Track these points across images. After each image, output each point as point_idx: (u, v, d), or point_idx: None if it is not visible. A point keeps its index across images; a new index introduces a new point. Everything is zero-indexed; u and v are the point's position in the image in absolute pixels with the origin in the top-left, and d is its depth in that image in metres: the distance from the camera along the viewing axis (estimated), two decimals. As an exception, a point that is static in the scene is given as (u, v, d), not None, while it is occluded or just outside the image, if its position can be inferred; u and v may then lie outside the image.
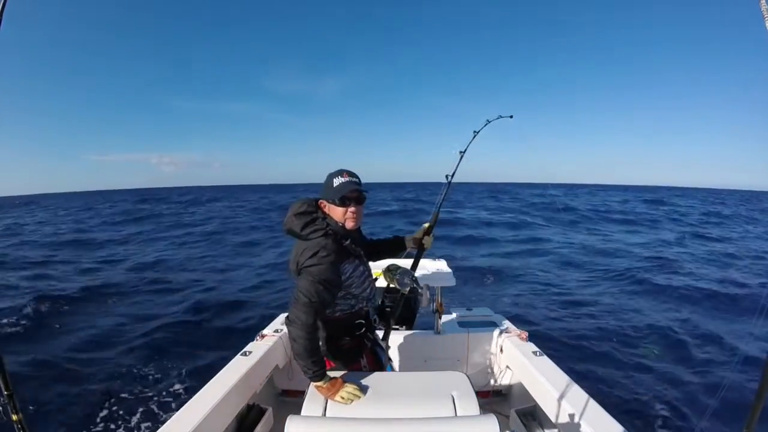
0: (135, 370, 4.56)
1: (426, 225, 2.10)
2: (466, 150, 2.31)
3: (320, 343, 1.62)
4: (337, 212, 1.61)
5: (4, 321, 6.08)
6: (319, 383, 1.45)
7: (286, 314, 3.40)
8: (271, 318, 3.02)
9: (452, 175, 2.27)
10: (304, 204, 1.61)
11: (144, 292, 7.95)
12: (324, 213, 1.64)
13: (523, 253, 11.39)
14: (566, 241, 13.70)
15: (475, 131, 2.35)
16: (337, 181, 1.60)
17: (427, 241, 2.07)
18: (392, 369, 1.85)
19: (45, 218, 27.70)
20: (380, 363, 1.84)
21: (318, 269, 1.48)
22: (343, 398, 1.40)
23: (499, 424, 1.16)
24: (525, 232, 16.25)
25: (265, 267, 10.10)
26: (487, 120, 2.36)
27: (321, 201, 1.64)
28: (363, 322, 1.74)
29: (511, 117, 2.31)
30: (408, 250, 2.10)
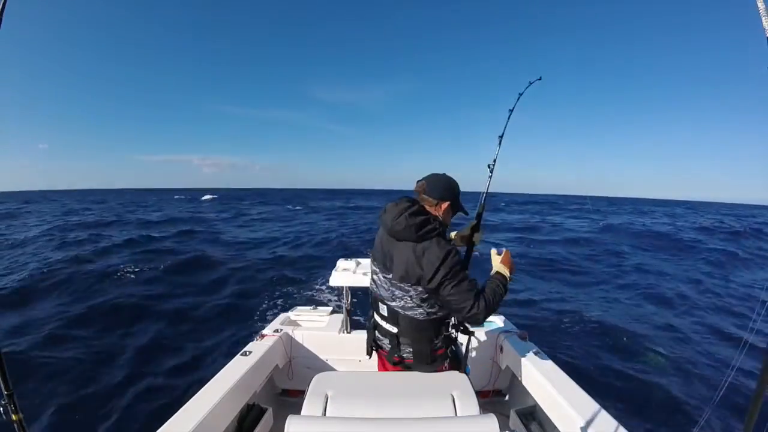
0: (134, 369, 4.56)
1: (473, 222, 2.01)
2: (504, 133, 2.19)
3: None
4: (449, 215, 1.68)
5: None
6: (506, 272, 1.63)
7: (285, 314, 3.39)
8: (271, 318, 3.03)
9: (494, 163, 2.15)
10: (415, 204, 1.58)
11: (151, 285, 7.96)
12: (432, 213, 1.62)
13: (525, 251, 11.40)
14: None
15: (510, 110, 2.23)
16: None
17: (477, 237, 1.99)
18: (470, 371, 1.80)
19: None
20: (460, 368, 1.81)
21: (455, 262, 1.47)
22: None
23: (499, 424, 1.16)
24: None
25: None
26: (519, 93, 2.25)
27: (440, 201, 1.62)
28: (449, 322, 1.72)
29: (540, 79, 2.20)
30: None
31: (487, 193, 2.09)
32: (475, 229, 1.97)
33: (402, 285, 1.54)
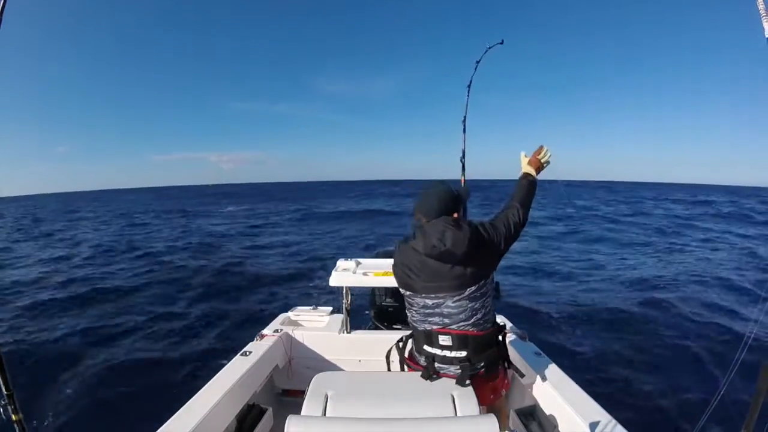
0: (134, 369, 4.56)
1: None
2: (466, 114, 2.22)
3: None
4: (463, 214, 1.75)
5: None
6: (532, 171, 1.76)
7: (285, 314, 3.38)
8: (271, 318, 3.02)
9: (464, 155, 2.20)
10: (449, 217, 1.62)
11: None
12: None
13: (528, 249, 11.40)
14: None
15: (467, 85, 2.24)
16: None
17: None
18: None
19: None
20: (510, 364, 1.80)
21: (485, 226, 1.61)
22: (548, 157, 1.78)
23: (499, 424, 1.16)
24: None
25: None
26: (476, 61, 2.25)
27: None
28: (503, 326, 1.74)
29: (502, 42, 2.20)
30: None
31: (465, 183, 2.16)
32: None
33: (483, 287, 1.57)
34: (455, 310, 1.57)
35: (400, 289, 1.71)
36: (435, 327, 1.61)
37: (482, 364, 1.61)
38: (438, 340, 1.61)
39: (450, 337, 1.59)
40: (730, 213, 23.99)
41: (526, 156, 1.82)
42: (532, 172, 1.77)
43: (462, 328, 1.58)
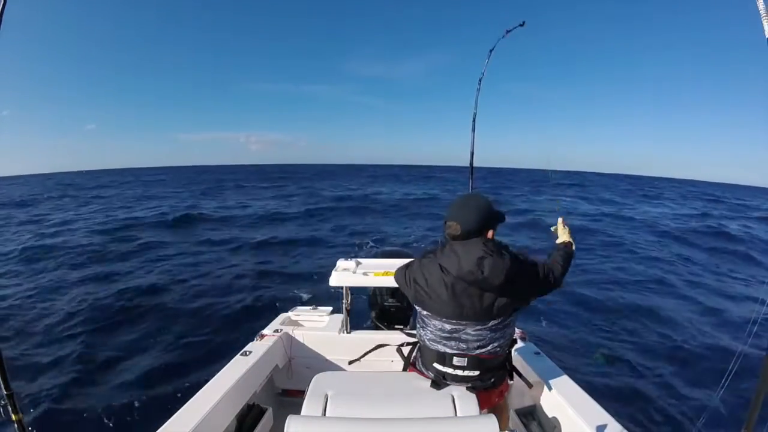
0: (133, 369, 4.56)
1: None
2: (475, 115, 2.11)
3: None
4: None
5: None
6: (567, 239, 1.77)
7: (285, 314, 3.38)
8: (271, 318, 3.02)
9: (471, 160, 2.18)
10: (485, 242, 1.51)
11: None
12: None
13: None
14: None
15: (479, 79, 2.12)
16: None
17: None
18: None
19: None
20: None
21: (526, 264, 1.56)
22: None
23: (499, 424, 1.17)
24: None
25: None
26: (489, 50, 2.06)
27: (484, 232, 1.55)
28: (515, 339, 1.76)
29: (523, 24, 2.02)
30: None
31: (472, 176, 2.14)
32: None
33: (506, 321, 1.54)
34: (473, 338, 1.52)
35: (415, 306, 1.63)
36: (450, 350, 1.55)
37: (492, 380, 1.62)
38: (452, 361, 1.56)
39: (465, 359, 1.55)
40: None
41: (564, 224, 1.82)
42: (572, 242, 1.78)
43: (479, 353, 1.54)
